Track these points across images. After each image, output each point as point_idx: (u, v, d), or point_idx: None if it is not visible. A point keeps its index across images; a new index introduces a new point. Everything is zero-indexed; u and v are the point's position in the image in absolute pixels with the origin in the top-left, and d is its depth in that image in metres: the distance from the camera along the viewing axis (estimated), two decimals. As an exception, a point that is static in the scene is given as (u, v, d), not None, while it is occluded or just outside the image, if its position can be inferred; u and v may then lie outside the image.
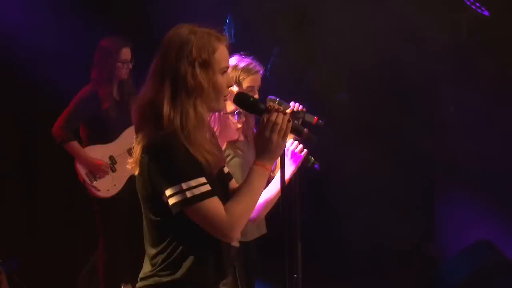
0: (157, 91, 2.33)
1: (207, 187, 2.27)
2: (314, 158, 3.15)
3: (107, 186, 5.00)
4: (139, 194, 2.39)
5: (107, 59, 4.99)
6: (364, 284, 5.77)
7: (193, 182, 2.24)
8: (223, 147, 3.28)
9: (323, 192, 5.90)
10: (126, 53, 5.02)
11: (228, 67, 2.42)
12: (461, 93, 5.89)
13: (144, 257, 2.46)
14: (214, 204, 2.27)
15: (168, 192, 2.25)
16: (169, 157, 2.25)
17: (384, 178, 6.13)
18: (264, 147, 2.35)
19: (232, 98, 2.50)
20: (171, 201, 2.25)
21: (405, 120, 5.86)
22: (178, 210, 2.25)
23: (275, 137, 2.34)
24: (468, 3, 5.72)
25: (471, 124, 5.69)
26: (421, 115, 6.00)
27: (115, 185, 5.02)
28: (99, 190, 4.98)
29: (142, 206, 2.40)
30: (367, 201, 6.22)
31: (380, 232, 6.23)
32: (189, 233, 2.32)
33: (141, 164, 2.32)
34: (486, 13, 5.71)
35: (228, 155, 3.42)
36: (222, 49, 2.38)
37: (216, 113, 3.04)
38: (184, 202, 2.24)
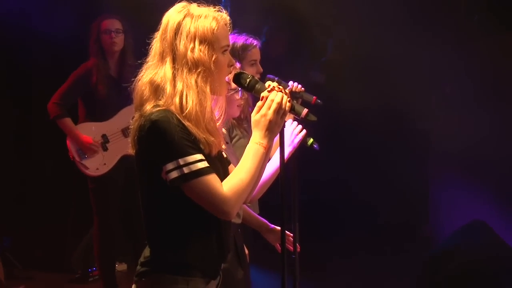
0: (157, 70, 2.31)
1: (205, 164, 2.24)
2: (313, 138, 3.13)
3: (96, 165, 4.97)
4: (137, 174, 2.35)
5: (92, 33, 5.02)
6: (359, 265, 5.78)
7: (190, 158, 2.21)
8: (228, 125, 3.25)
9: (320, 173, 5.88)
10: (108, 23, 5.00)
11: (228, 46, 2.39)
12: (457, 74, 5.88)
13: (141, 238, 2.41)
14: (212, 180, 2.24)
15: (165, 168, 2.22)
16: (165, 133, 2.21)
17: (379, 159, 6.13)
18: (262, 126, 2.33)
19: (231, 78, 2.47)
20: (169, 177, 2.22)
21: (401, 102, 5.83)
22: (176, 186, 2.22)
23: (274, 116, 2.32)
24: None
25: (466, 105, 5.68)
26: (417, 96, 5.98)
27: (105, 164, 4.98)
28: (87, 168, 4.96)
29: (140, 187, 2.36)
30: (362, 183, 6.22)
31: (375, 213, 6.25)
32: (189, 212, 2.28)
33: (138, 142, 2.29)
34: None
35: (235, 135, 3.40)
36: (221, 28, 2.34)
37: None
38: (182, 178, 2.21)
